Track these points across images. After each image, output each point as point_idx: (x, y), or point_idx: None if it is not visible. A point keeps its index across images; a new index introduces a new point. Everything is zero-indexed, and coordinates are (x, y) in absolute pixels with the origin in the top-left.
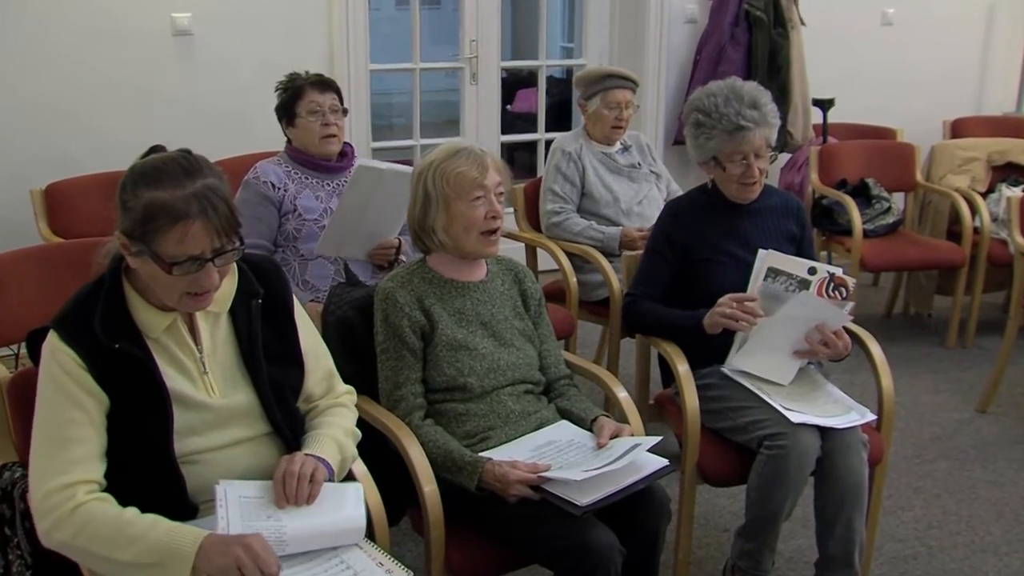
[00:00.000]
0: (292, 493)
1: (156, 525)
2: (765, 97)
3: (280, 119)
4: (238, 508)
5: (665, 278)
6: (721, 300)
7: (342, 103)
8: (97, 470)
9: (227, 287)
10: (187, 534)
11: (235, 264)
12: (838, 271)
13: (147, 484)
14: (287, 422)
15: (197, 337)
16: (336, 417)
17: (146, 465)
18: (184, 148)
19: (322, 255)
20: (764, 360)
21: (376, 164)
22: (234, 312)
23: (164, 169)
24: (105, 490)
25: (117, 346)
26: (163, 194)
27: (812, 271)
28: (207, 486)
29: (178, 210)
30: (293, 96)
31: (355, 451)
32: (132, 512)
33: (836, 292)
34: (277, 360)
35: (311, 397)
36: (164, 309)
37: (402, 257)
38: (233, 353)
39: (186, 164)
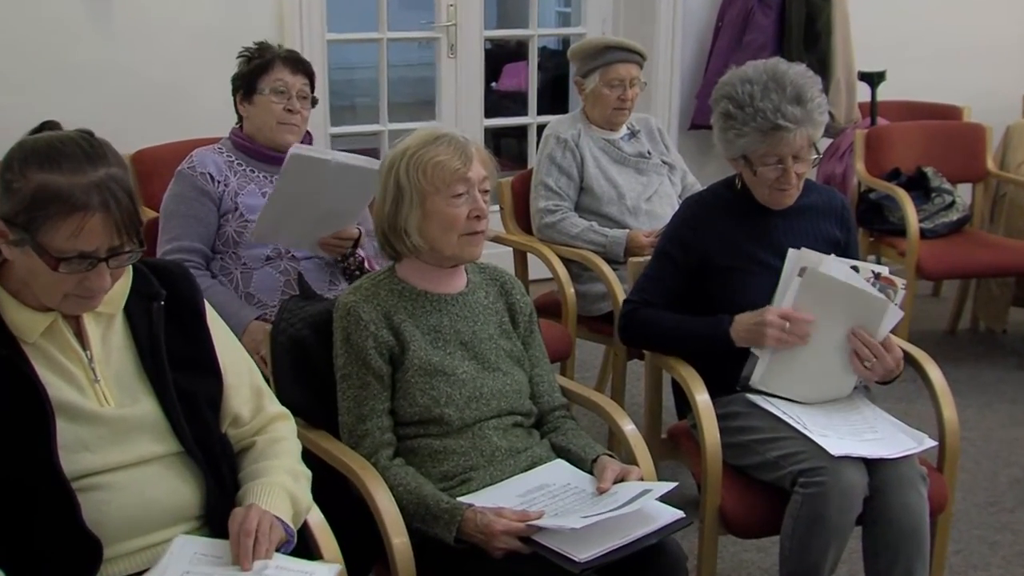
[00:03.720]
0: (248, 554)
1: None
2: (813, 88)
3: (235, 91)
4: (185, 565)
5: (672, 286)
6: (768, 313)
7: (313, 91)
8: None
9: (118, 286)
10: None
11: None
12: (884, 270)
13: (35, 512)
14: (199, 439)
15: (85, 341)
16: (281, 459)
17: (31, 487)
18: (85, 129)
19: (260, 242)
20: (802, 380)
21: (315, 153)
22: (131, 315)
23: (62, 151)
24: None
25: None
26: (60, 179)
27: (855, 270)
28: (113, 517)
29: (76, 199)
30: (259, 69)
31: (310, 499)
32: None
33: (884, 294)
34: (185, 367)
35: (239, 419)
36: (42, 309)
37: (360, 252)
38: (131, 359)
39: (88, 148)
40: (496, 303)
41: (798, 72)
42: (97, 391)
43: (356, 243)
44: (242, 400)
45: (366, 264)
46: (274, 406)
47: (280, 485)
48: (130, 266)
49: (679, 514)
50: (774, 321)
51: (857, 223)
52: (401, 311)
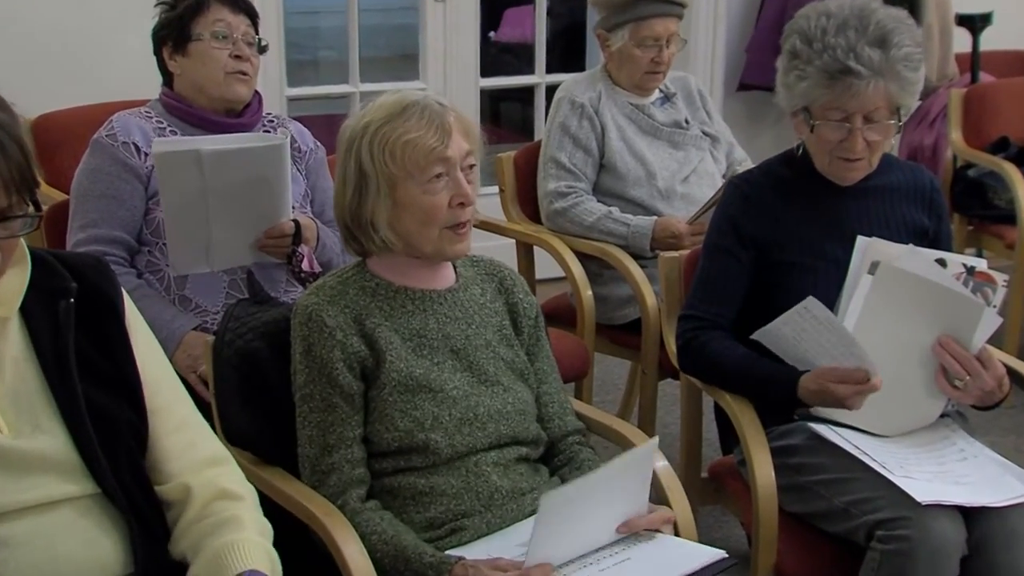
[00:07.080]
0: None
1: None
2: (905, 35)
3: (161, 45)
4: None
5: (737, 291)
6: (830, 388)
7: (258, 33)
8: None
9: (13, 282)
10: None
11: (27, 251)
12: (981, 264)
13: None
14: (121, 476)
15: None
16: (249, 512)
17: None
18: None
19: (185, 273)
20: (877, 405)
21: (180, 146)
22: (30, 318)
23: None
24: None
25: None
26: None
27: (941, 264)
28: None
29: None
30: (190, 11)
31: (277, 558)
32: None
33: (979, 294)
34: (103, 383)
35: (166, 457)
36: None
37: (301, 250)
38: (32, 375)
39: None
40: (494, 303)
41: (890, 15)
42: None
43: (296, 238)
44: (168, 430)
45: (305, 263)
46: (211, 444)
47: (256, 543)
48: (28, 256)
49: (720, 554)
50: (839, 391)
51: (952, 208)
52: (375, 313)
